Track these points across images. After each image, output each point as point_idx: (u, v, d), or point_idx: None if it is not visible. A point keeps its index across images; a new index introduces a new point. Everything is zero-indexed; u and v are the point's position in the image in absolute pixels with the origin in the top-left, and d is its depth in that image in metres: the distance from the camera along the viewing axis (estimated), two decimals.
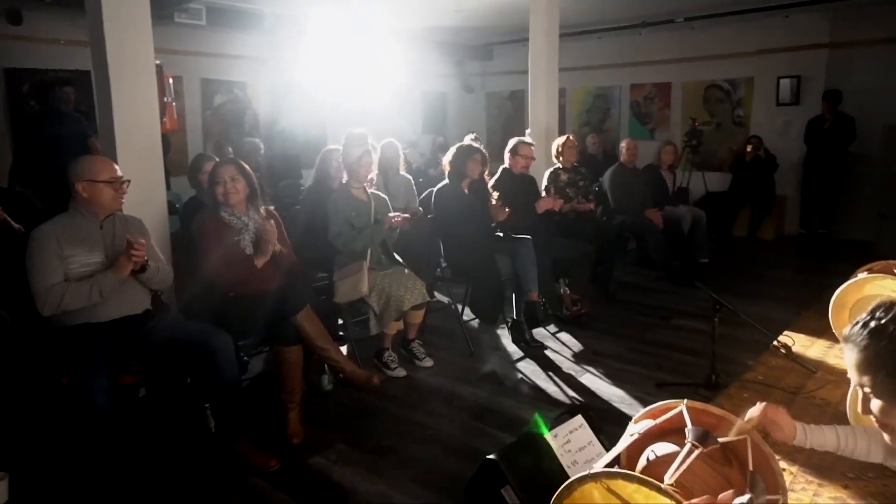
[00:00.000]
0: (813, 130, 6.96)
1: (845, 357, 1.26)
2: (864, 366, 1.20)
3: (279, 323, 2.96)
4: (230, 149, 6.21)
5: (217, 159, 3.65)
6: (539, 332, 4.31)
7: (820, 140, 6.89)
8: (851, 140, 6.78)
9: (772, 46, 7.49)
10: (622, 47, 8.62)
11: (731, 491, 1.30)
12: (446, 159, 4.24)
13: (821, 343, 3.60)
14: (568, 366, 3.82)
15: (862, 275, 3.37)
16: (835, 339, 3.53)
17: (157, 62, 3.31)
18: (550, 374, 3.71)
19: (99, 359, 2.54)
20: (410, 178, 5.04)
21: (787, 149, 7.33)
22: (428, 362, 3.83)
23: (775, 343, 3.48)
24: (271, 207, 3.45)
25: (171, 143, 5.92)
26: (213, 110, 7.32)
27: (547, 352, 4.04)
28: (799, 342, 3.54)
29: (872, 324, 1.19)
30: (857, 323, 1.23)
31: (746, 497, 1.27)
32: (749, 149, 7.30)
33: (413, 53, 8.52)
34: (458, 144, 4.25)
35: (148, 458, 2.75)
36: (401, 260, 3.91)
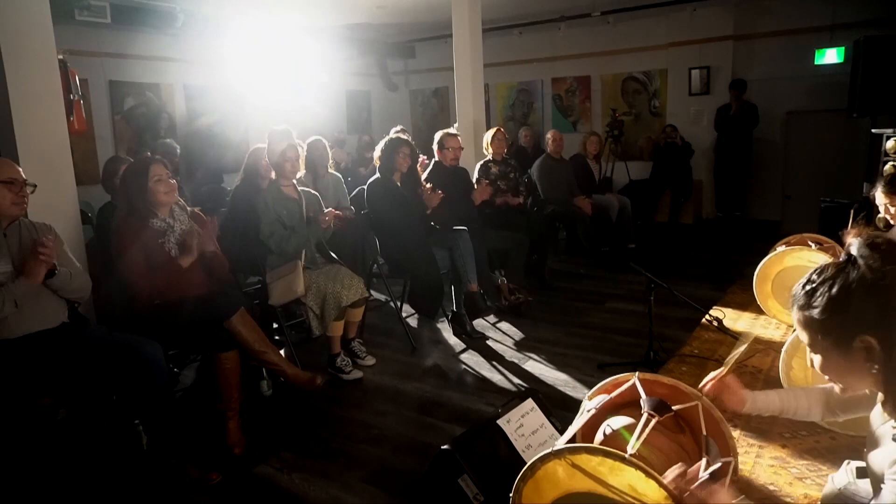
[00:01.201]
0: (721, 118, 7.32)
1: (793, 316, 1.30)
2: (804, 325, 1.25)
3: (212, 328, 2.81)
4: (148, 153, 5.88)
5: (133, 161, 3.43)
6: (479, 324, 4.31)
7: (728, 127, 7.26)
8: (755, 125, 7.19)
9: (682, 39, 7.82)
10: (542, 42, 8.78)
11: (699, 464, 1.32)
12: (376, 153, 4.17)
13: (747, 315, 3.80)
14: (511, 354, 3.83)
15: (781, 248, 3.57)
16: (760, 311, 3.73)
17: (60, 56, 3.07)
18: (494, 363, 3.71)
19: (9, 380, 2.32)
20: (340, 176, 4.94)
21: (701, 136, 7.68)
22: (370, 361, 3.74)
23: (707, 318, 3.64)
24: (197, 209, 3.27)
25: (79, 148, 5.52)
26: (124, 114, 6.90)
27: (489, 342, 4.04)
28: (728, 315, 3.72)
29: (808, 287, 1.24)
30: (799, 284, 1.28)
31: (707, 471, 1.29)
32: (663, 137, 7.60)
33: (335, 52, 8.37)
34: (386, 137, 4.18)
35: (75, 487, 2.53)
36: (336, 257, 3.81)
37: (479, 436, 2.17)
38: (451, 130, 4.92)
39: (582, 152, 6.44)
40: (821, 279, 1.21)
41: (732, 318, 3.68)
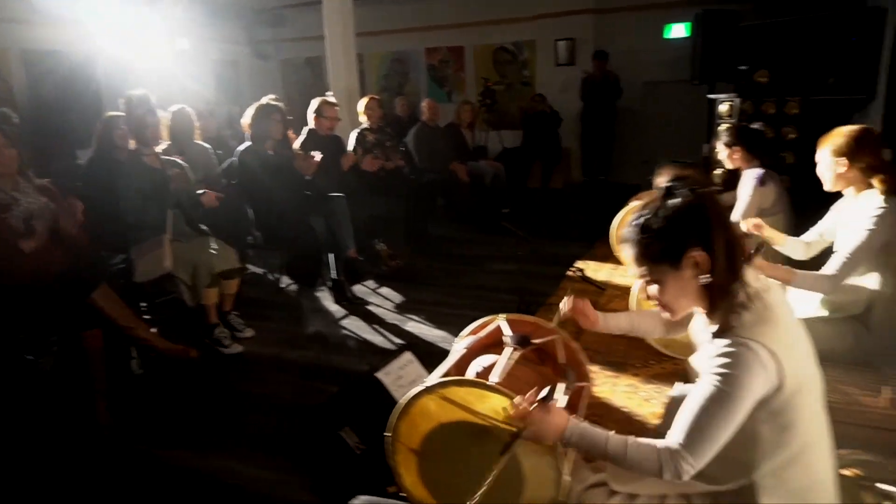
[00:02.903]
0: (587, 87, 7.75)
1: (625, 254, 1.46)
2: (638, 258, 1.40)
3: (73, 306, 2.63)
4: None
5: None
6: (360, 289, 4.34)
7: (593, 96, 7.71)
8: (618, 95, 7.69)
9: (547, 11, 8.15)
10: (416, 12, 8.80)
11: (533, 389, 1.45)
12: (245, 120, 4.03)
13: (608, 266, 4.14)
14: (391, 317, 3.91)
15: (633, 203, 3.91)
16: (618, 262, 4.07)
17: None
18: (375, 326, 3.77)
19: None
20: (209, 146, 4.72)
21: (569, 105, 8.08)
22: (248, 332, 3.67)
23: (571, 270, 3.92)
24: (46, 181, 3.02)
25: None
26: None
27: (370, 307, 4.09)
28: (591, 268, 4.02)
29: (640, 220, 1.39)
30: (629, 224, 1.43)
31: (545, 392, 1.43)
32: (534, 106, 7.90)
33: (195, 17, 7.89)
34: (256, 104, 4.05)
35: None
36: (207, 229, 3.67)
37: (358, 390, 2.23)
38: (330, 98, 4.85)
39: (456, 121, 6.59)
40: (650, 211, 1.37)
41: (595, 270, 3.99)
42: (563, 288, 3.76)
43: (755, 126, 4.06)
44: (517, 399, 1.40)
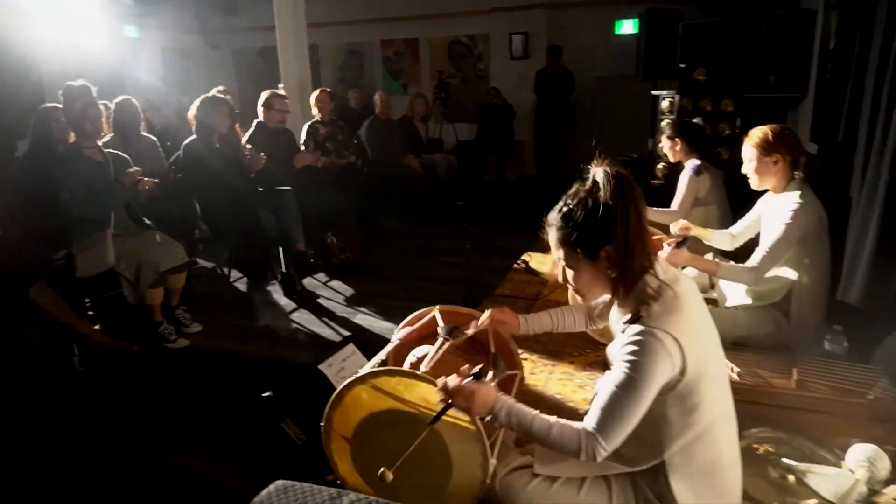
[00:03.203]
0: (541, 82, 7.87)
1: (549, 238, 1.52)
2: (558, 243, 1.47)
3: (10, 303, 2.59)
4: None
5: None
6: (311, 283, 4.35)
7: (547, 90, 7.82)
8: (571, 90, 7.82)
9: (501, 5, 8.22)
10: (371, 3, 8.76)
11: (466, 366, 1.51)
12: (191, 112, 3.99)
13: (551, 257, 4.24)
14: (341, 310, 3.93)
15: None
16: None
17: None
18: (325, 319, 3.79)
19: None
20: (154, 139, 4.64)
21: (523, 99, 8.18)
22: (196, 327, 3.64)
23: (517, 262, 4.02)
24: None
25: None
26: None
27: (320, 300, 4.10)
28: (536, 259, 4.12)
29: (565, 209, 1.46)
30: (555, 210, 1.49)
31: (477, 368, 1.49)
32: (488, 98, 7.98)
33: (144, 4, 7.70)
34: (202, 96, 4.01)
35: None
36: (151, 223, 3.63)
37: (300, 382, 2.26)
38: (280, 91, 4.81)
39: (409, 114, 6.61)
40: (575, 202, 1.43)
41: (540, 262, 4.10)
42: (509, 279, 3.85)
43: (695, 121, 4.22)
44: (451, 377, 1.46)
